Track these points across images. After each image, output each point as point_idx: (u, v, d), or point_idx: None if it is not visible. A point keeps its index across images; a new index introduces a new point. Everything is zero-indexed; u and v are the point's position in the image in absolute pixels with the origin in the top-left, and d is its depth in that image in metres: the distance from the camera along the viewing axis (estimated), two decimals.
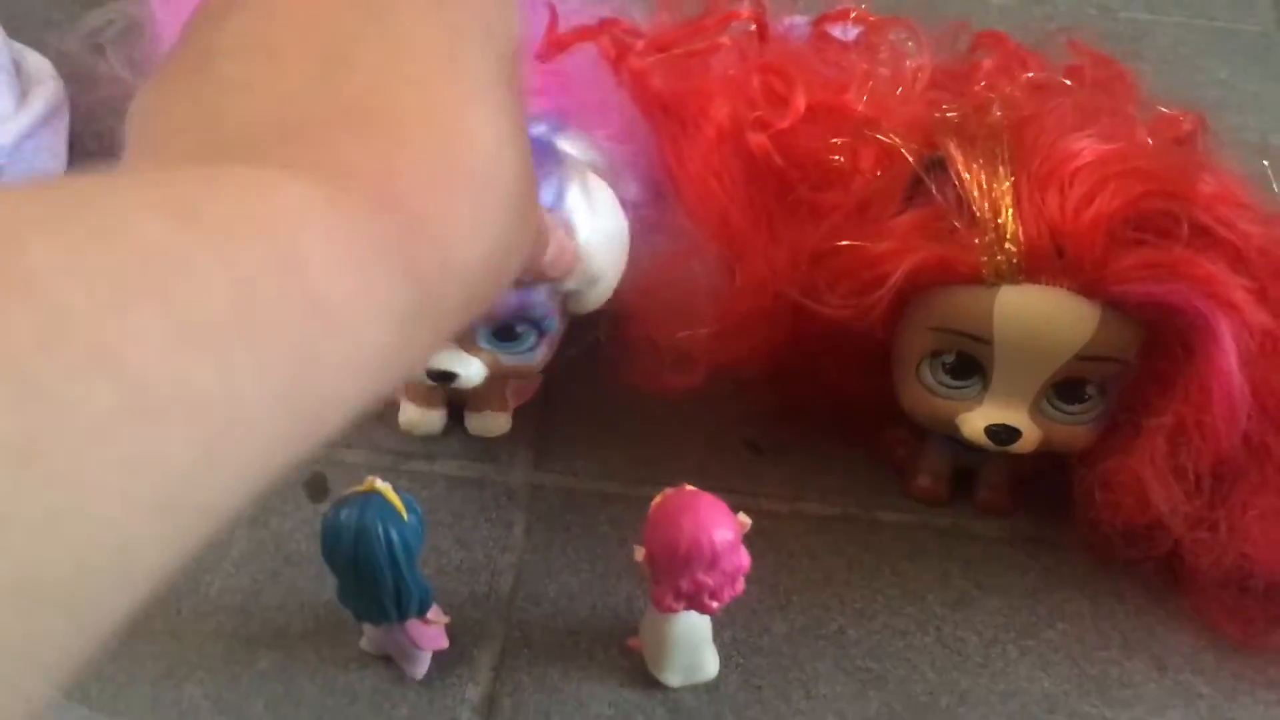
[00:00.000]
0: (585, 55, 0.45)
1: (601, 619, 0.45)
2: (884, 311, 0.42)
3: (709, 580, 0.37)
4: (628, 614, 0.45)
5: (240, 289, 0.18)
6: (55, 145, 0.57)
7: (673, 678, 0.43)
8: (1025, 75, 0.48)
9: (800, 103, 0.44)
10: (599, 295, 0.44)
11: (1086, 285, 0.40)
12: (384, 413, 0.51)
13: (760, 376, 0.48)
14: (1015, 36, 0.53)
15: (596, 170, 0.44)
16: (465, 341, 0.44)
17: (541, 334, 0.45)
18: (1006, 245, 0.40)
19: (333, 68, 0.24)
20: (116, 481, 0.15)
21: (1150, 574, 0.46)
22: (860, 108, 0.45)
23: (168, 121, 0.23)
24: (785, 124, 0.44)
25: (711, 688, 0.43)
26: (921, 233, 0.41)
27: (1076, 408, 0.43)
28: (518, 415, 0.51)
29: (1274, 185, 0.47)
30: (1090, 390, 0.43)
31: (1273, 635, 0.44)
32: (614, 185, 0.44)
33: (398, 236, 0.22)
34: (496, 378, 0.46)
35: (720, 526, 0.36)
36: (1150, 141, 0.44)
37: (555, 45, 0.44)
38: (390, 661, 0.43)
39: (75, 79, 0.59)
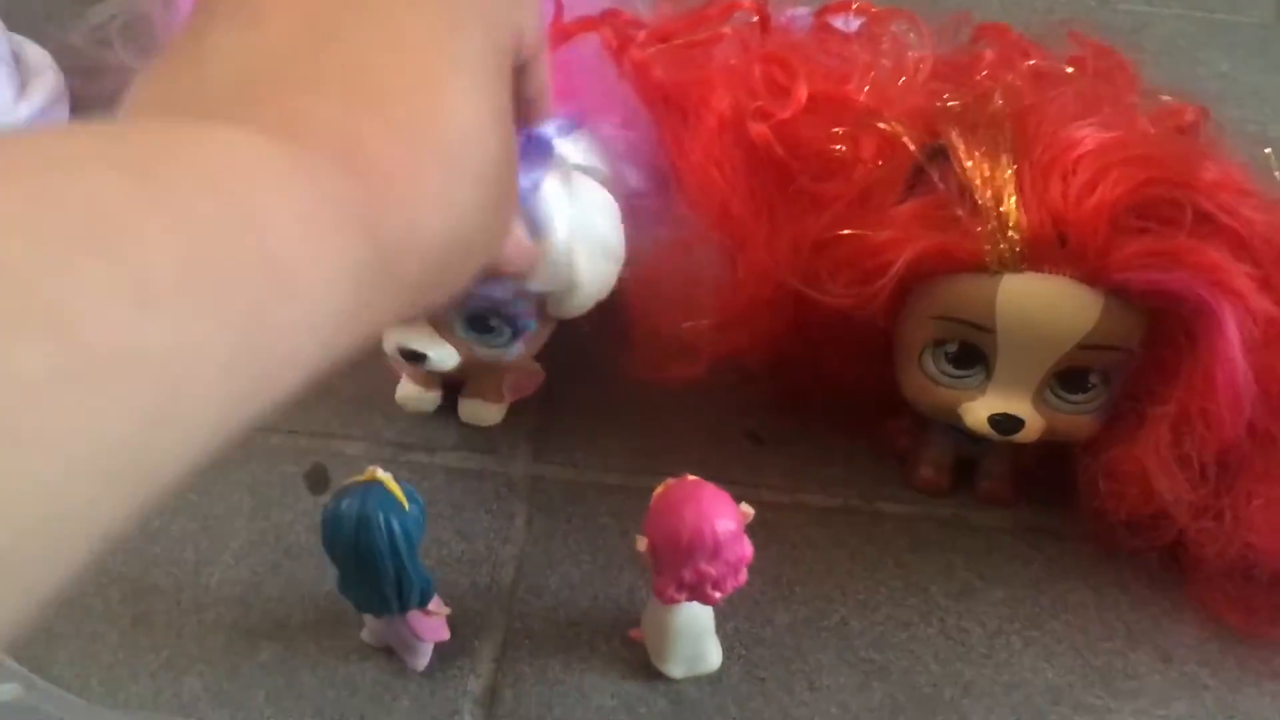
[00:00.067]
0: (588, 45, 0.45)
1: (603, 610, 0.45)
2: (886, 300, 0.42)
3: (711, 570, 0.37)
4: (629, 605, 0.45)
5: (192, 246, 0.17)
6: None
7: (675, 669, 0.43)
8: (1027, 64, 0.48)
9: (802, 93, 0.44)
10: (579, 302, 0.43)
11: (1089, 273, 0.40)
12: (384, 404, 0.51)
13: (761, 367, 0.48)
14: (1016, 28, 0.52)
15: (603, 181, 0.43)
16: (441, 327, 0.44)
17: (517, 330, 0.44)
18: (1009, 233, 0.40)
19: (316, 36, 0.24)
20: (56, 443, 0.15)
21: (1154, 564, 0.46)
22: (862, 98, 0.45)
23: (152, 90, 0.23)
24: (787, 114, 0.43)
25: (714, 679, 0.43)
26: (923, 221, 0.41)
27: (1080, 397, 0.43)
28: (517, 406, 0.51)
29: (1276, 173, 0.46)
30: (1093, 379, 0.43)
31: (1278, 625, 0.44)
32: (620, 196, 0.43)
33: (361, 199, 0.22)
34: (490, 369, 0.46)
35: (723, 516, 0.36)
36: (1152, 130, 0.44)
37: (558, 35, 0.44)
38: (391, 653, 0.43)
39: (76, 71, 0.59)
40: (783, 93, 0.45)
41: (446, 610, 0.42)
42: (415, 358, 0.45)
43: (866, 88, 0.45)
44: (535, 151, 0.39)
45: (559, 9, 0.45)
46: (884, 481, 0.50)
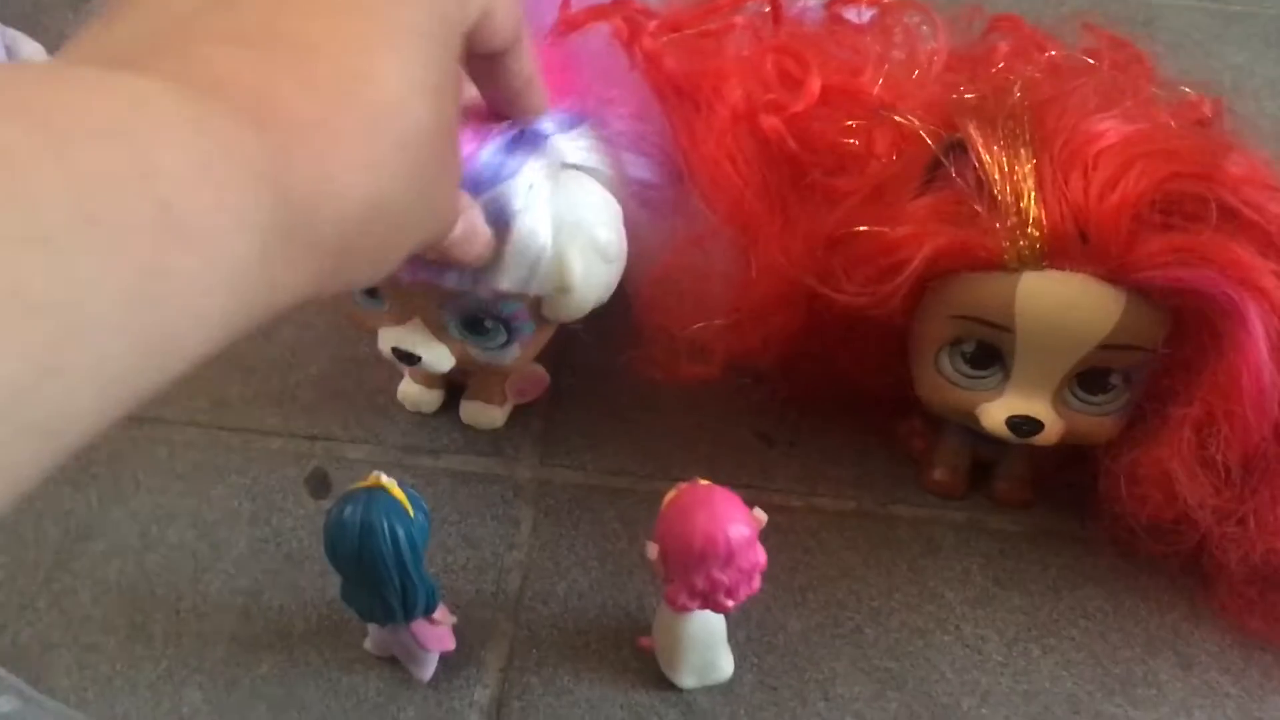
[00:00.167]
0: (598, 35, 0.43)
1: (612, 618, 0.44)
2: (902, 299, 0.41)
3: (724, 578, 0.36)
4: (639, 613, 0.44)
5: (83, 193, 0.17)
6: None
7: (686, 679, 0.42)
8: (1044, 56, 0.47)
9: (815, 85, 0.43)
10: (574, 305, 0.41)
11: (1111, 271, 0.39)
12: (386, 406, 0.50)
13: (773, 367, 0.47)
14: (1029, 20, 0.51)
15: (604, 182, 0.41)
16: (436, 327, 0.43)
17: (511, 332, 0.43)
18: (1029, 230, 0.39)
19: None
20: None
21: (1174, 569, 0.45)
22: (875, 90, 0.44)
23: (85, 41, 0.23)
24: (800, 107, 0.42)
25: (726, 689, 0.42)
26: (941, 217, 0.40)
27: (1100, 398, 0.42)
28: (523, 408, 0.50)
29: None
30: (1115, 380, 0.42)
31: None
32: (625, 197, 0.42)
33: (269, 154, 0.21)
34: (492, 370, 0.45)
35: (736, 522, 0.35)
36: (1173, 123, 0.43)
37: (568, 24, 0.43)
38: (396, 663, 0.42)
39: None
40: (795, 85, 0.44)
41: (452, 619, 0.41)
42: (409, 359, 0.43)
43: (880, 80, 0.44)
44: (525, 144, 0.37)
45: None
46: (898, 484, 0.49)
